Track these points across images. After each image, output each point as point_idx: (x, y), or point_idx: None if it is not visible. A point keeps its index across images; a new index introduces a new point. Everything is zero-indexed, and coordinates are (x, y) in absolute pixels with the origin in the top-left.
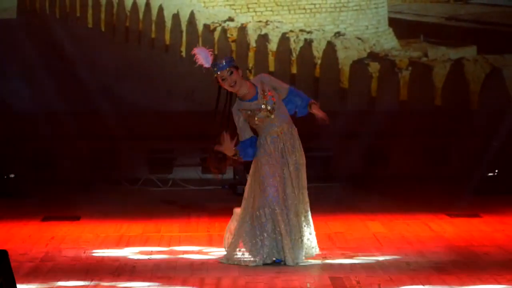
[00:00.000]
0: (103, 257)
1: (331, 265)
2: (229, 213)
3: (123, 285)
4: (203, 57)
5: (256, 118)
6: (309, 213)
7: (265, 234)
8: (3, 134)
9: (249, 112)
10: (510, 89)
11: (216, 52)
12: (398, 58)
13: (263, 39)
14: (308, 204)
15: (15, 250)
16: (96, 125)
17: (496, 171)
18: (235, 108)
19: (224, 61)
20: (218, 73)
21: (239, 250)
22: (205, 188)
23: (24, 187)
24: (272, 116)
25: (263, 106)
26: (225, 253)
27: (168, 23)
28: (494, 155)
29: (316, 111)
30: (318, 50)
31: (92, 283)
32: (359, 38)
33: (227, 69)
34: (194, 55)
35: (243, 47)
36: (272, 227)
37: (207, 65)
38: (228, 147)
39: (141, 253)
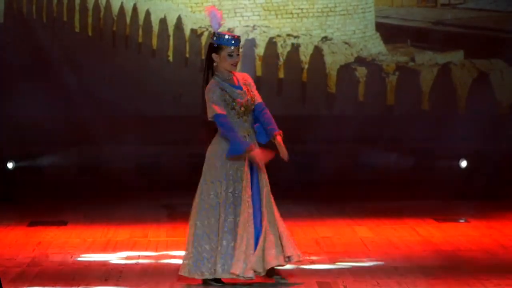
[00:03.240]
0: (90, 262)
1: (318, 270)
2: None
3: None
4: (214, 19)
5: (231, 108)
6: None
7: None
8: None
9: (227, 97)
10: (497, 93)
11: (203, 57)
12: (385, 62)
13: (250, 43)
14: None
15: (1, 255)
16: (82, 130)
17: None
18: (214, 85)
19: (238, 38)
20: (231, 47)
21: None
22: (192, 193)
23: (11, 192)
24: (247, 115)
25: (249, 99)
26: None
27: (155, 27)
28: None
29: (281, 142)
30: (305, 55)
31: None
32: (346, 43)
33: (238, 47)
34: (208, 12)
35: None
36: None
37: (215, 28)
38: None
39: (128, 258)
